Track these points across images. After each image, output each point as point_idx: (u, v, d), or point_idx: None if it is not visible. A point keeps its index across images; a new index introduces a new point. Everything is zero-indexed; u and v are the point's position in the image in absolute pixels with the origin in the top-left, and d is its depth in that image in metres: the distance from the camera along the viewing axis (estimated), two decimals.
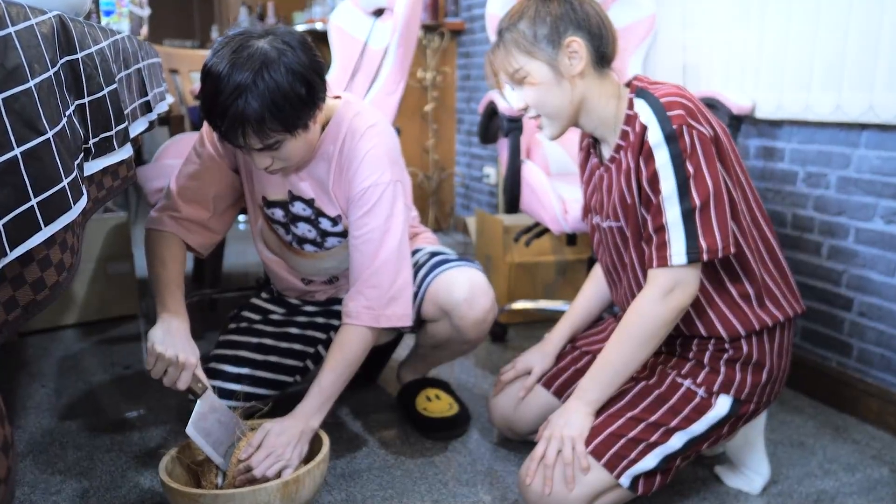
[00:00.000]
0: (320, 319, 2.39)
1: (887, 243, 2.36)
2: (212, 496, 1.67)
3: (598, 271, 2.19)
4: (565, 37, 1.76)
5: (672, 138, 1.66)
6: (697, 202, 1.67)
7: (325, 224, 2.14)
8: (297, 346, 2.32)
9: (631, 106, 1.78)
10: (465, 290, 2.09)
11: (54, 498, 1.99)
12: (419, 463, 2.18)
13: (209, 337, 3.09)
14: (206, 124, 2.05)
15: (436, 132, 5.00)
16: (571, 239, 3.09)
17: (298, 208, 2.13)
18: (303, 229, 2.18)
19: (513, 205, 2.73)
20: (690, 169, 1.66)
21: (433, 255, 2.22)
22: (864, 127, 2.39)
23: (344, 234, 2.15)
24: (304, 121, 1.83)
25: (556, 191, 2.57)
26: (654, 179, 1.70)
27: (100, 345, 3.10)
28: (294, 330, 2.36)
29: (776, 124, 2.69)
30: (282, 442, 1.83)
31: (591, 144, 1.99)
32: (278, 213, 2.18)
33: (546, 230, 2.91)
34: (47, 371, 2.83)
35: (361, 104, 2.05)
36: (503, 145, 2.72)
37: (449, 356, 2.37)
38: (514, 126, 2.61)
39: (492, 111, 2.71)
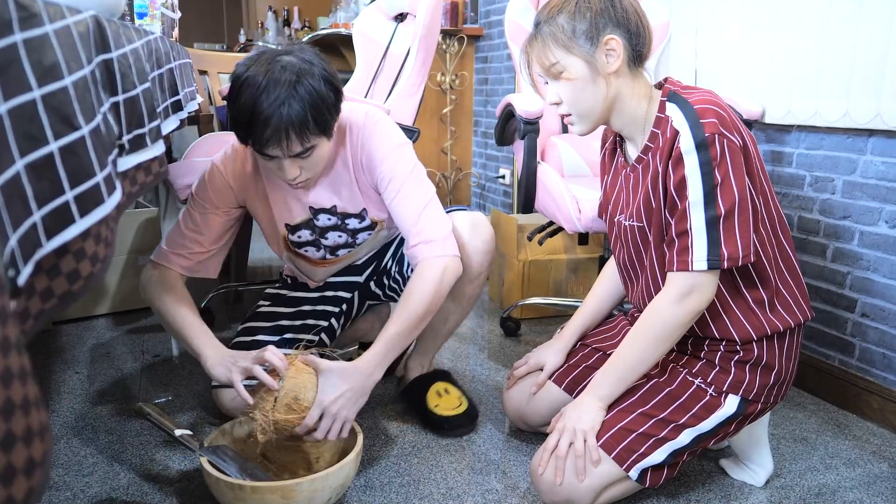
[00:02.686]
0: (329, 293, 2.41)
1: (891, 247, 2.33)
2: (308, 481, 1.67)
3: (608, 270, 2.17)
4: (604, 34, 1.71)
5: (703, 146, 1.63)
6: (723, 210, 1.63)
7: (353, 223, 2.18)
8: (310, 321, 2.35)
9: (663, 109, 1.74)
10: (467, 221, 2.13)
11: (87, 479, 1.98)
12: (435, 451, 2.16)
13: (235, 328, 3.09)
14: (197, 189, 2.09)
15: (453, 134, 4.99)
16: (583, 238, 3.08)
17: (323, 220, 2.16)
18: (333, 237, 2.22)
19: (528, 204, 2.71)
20: (718, 177, 1.63)
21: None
22: (871, 133, 2.37)
23: (372, 227, 2.19)
24: (334, 124, 1.89)
25: (570, 192, 2.55)
26: (681, 185, 1.67)
27: (130, 334, 3.10)
28: (307, 307, 2.39)
29: (785, 129, 2.67)
30: (340, 404, 1.83)
31: (617, 143, 1.97)
32: (305, 234, 2.21)
33: (559, 229, 2.89)
34: (80, 358, 2.83)
35: (348, 102, 2.08)
36: (519, 147, 2.70)
37: (455, 318, 2.31)
38: (531, 129, 2.59)
39: (509, 114, 2.69)
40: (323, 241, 2.23)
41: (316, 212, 2.14)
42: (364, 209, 2.15)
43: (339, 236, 2.22)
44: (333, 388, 1.83)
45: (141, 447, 2.16)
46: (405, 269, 2.24)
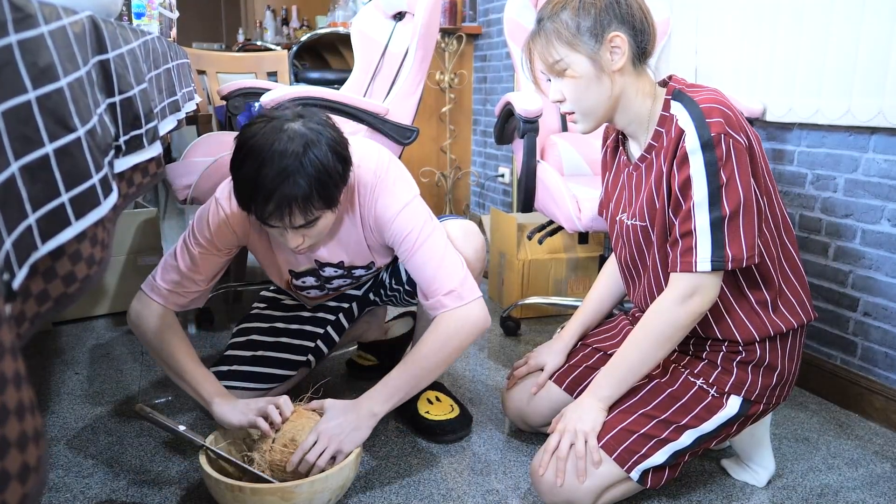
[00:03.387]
0: (331, 303, 2.40)
1: (893, 245, 2.33)
2: (308, 483, 1.67)
3: (609, 269, 2.17)
4: (609, 31, 1.69)
5: (709, 146, 1.61)
6: (727, 211, 1.62)
7: (359, 272, 2.17)
8: (307, 328, 2.35)
9: (667, 107, 1.73)
10: (459, 231, 2.08)
11: (86, 481, 1.98)
12: (435, 452, 2.16)
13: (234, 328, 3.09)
14: (196, 228, 2.01)
15: (452, 133, 4.98)
16: (583, 237, 3.07)
17: (329, 272, 2.15)
18: (338, 283, 2.22)
19: (528, 203, 2.70)
20: (724, 178, 1.61)
21: None
22: (873, 131, 2.36)
23: (378, 270, 2.20)
24: (340, 195, 1.82)
25: (570, 191, 2.54)
26: (686, 185, 1.66)
27: (130, 334, 3.09)
28: (305, 313, 2.38)
29: (786, 127, 2.66)
30: (335, 431, 1.82)
31: (619, 140, 1.96)
32: (310, 280, 2.19)
33: (559, 228, 2.89)
34: (80, 359, 2.82)
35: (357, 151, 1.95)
36: (518, 146, 2.69)
37: None
38: (530, 128, 2.58)
39: (508, 113, 2.68)
40: (328, 285, 2.23)
41: (322, 265, 2.13)
42: (372, 262, 2.13)
43: (345, 281, 2.22)
44: (332, 417, 1.84)
45: (141, 448, 2.15)
46: (403, 280, 2.22)
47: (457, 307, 1.91)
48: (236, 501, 1.68)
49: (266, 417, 1.85)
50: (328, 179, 1.71)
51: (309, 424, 1.84)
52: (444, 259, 1.93)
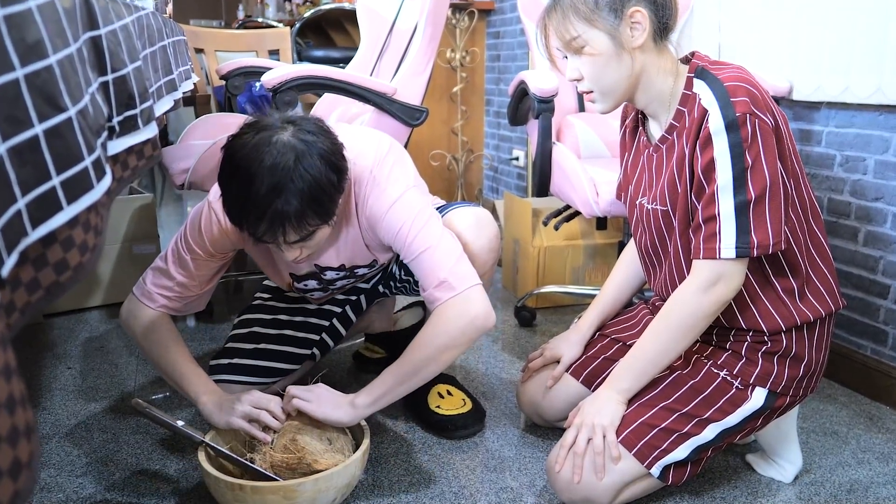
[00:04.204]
0: (338, 295, 2.40)
1: None
2: (312, 481, 1.68)
3: (627, 256, 2.16)
4: (629, 6, 1.68)
5: (734, 126, 1.60)
6: (753, 195, 1.62)
7: (363, 271, 2.16)
8: (312, 320, 2.35)
9: (690, 86, 1.72)
10: (472, 220, 2.05)
11: (80, 480, 1.99)
12: (446, 448, 2.16)
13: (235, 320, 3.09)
14: (188, 234, 1.99)
15: (464, 113, 4.97)
16: (602, 223, 3.06)
17: (331, 275, 2.14)
18: (341, 284, 2.22)
19: (543, 187, 2.70)
20: (749, 160, 1.61)
21: (437, 207, 2.15)
22: None
23: (382, 266, 2.19)
24: (336, 207, 1.78)
25: (587, 173, 2.54)
26: (709, 168, 1.65)
27: None
28: (310, 305, 2.38)
29: (813, 106, 2.65)
30: (318, 394, 1.86)
31: (639, 120, 1.95)
32: (312, 283, 2.19)
33: (576, 214, 2.88)
34: (73, 353, 2.83)
35: (344, 134, 1.89)
36: (533, 127, 2.69)
37: None
38: (545, 108, 2.58)
39: (522, 92, 2.68)
40: (331, 287, 2.23)
41: (323, 269, 2.12)
42: (374, 260, 2.12)
43: (348, 282, 2.23)
44: (317, 393, 1.88)
45: (137, 446, 2.16)
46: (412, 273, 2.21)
47: (448, 298, 1.85)
48: (237, 501, 1.68)
49: (259, 421, 1.86)
50: (321, 194, 1.68)
51: (310, 422, 1.86)
52: (435, 250, 1.88)
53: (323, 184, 1.68)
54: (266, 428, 1.85)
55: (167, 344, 1.99)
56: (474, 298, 1.86)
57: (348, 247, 2.04)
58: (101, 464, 2.07)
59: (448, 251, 1.88)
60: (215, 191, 1.96)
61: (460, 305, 1.84)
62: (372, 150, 1.94)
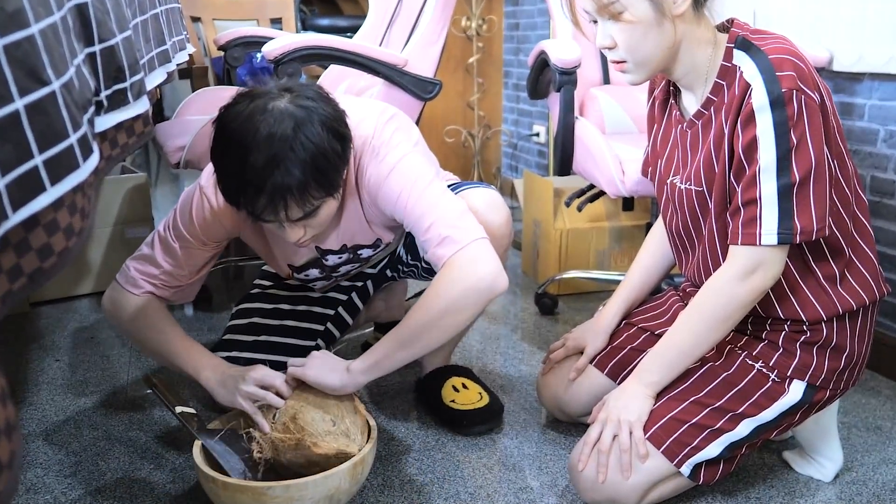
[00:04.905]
0: (344, 282, 2.39)
1: None
2: (282, 487, 1.66)
3: (655, 237, 2.15)
4: None
5: (779, 103, 1.58)
6: (797, 177, 1.60)
7: (367, 252, 2.14)
8: (316, 309, 2.34)
9: (729, 57, 1.70)
10: (482, 202, 2.01)
11: (69, 481, 2.00)
12: (461, 446, 2.17)
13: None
14: (178, 219, 1.97)
15: (481, 86, 4.97)
16: (628, 203, 3.06)
17: (333, 259, 2.13)
18: (344, 269, 2.21)
19: (565, 166, 2.69)
20: (794, 139, 1.59)
21: (448, 186, 2.08)
22: None
23: (387, 247, 2.17)
24: (341, 178, 1.77)
25: (612, 150, 2.53)
26: (751, 147, 1.63)
27: None
28: (313, 293, 2.37)
29: (855, 78, 2.63)
30: (319, 358, 1.85)
31: (671, 93, 1.93)
32: (314, 272, 2.19)
33: (601, 194, 2.87)
34: (61, 344, 2.85)
35: (345, 103, 1.87)
36: (554, 100, 2.68)
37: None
38: (568, 79, 2.57)
39: (543, 63, 2.67)
40: (334, 274, 2.22)
41: (324, 252, 2.11)
42: (378, 239, 2.10)
43: (353, 267, 2.21)
44: (314, 358, 1.86)
45: (130, 444, 2.17)
46: (420, 255, 2.19)
47: (452, 254, 1.79)
48: (212, 494, 1.73)
49: (262, 402, 1.85)
50: (325, 163, 1.67)
51: (313, 401, 1.83)
52: (436, 207, 1.83)
53: (326, 152, 1.66)
54: (269, 410, 1.84)
55: (158, 325, 1.99)
56: (480, 256, 1.79)
57: (349, 225, 2.03)
58: (91, 463, 2.08)
59: (450, 207, 1.85)
60: (207, 174, 1.96)
61: (464, 264, 1.78)
62: (373, 117, 1.92)
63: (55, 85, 0.92)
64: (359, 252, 2.13)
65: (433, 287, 1.81)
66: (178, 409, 1.87)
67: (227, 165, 1.67)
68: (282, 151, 1.61)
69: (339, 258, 2.12)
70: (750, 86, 1.62)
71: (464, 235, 1.80)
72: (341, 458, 1.75)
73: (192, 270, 2.03)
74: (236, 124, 1.64)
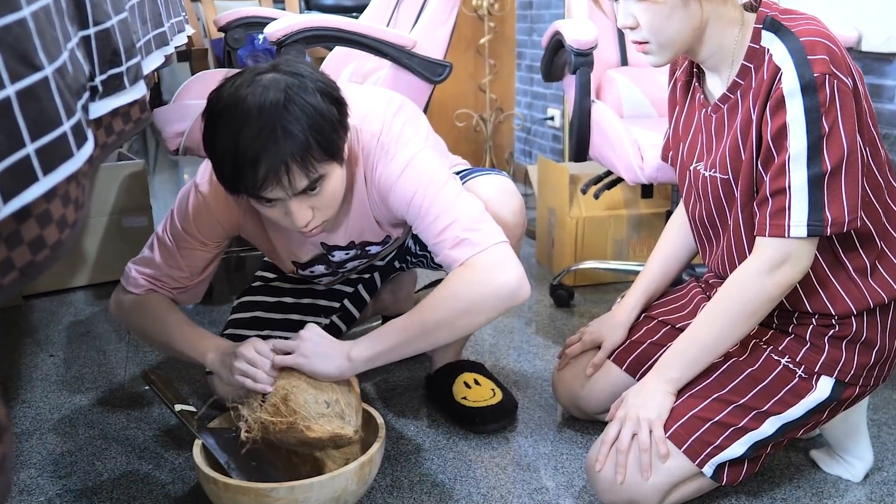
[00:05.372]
0: (351, 274, 2.39)
1: None
2: (286, 488, 1.66)
3: (675, 225, 2.14)
4: None
5: (811, 88, 1.57)
6: (829, 166, 1.59)
7: (375, 249, 2.13)
8: (321, 302, 2.34)
9: (757, 38, 1.69)
10: (493, 191, 2.01)
11: (63, 481, 2.01)
12: (473, 445, 2.17)
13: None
14: (176, 219, 1.97)
15: (493, 68, 4.96)
16: (647, 191, 3.06)
17: (339, 256, 2.12)
18: (352, 266, 2.20)
19: (581, 151, 2.69)
20: (826, 126, 1.58)
21: (457, 173, 2.10)
22: None
23: (396, 241, 2.16)
24: (343, 145, 1.73)
25: (630, 135, 2.53)
26: (781, 134, 1.62)
27: None
28: (318, 286, 2.37)
29: (885, 58, 2.62)
30: (313, 341, 1.81)
31: (695, 75, 1.92)
32: (319, 269, 2.18)
33: (619, 180, 2.87)
34: (55, 338, 2.85)
35: (348, 95, 1.83)
36: (570, 83, 2.67)
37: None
38: (584, 61, 2.56)
39: (557, 44, 2.66)
40: (341, 270, 2.21)
41: (330, 248, 2.09)
42: (387, 236, 2.09)
43: (360, 263, 2.20)
44: (310, 337, 1.82)
45: (127, 443, 2.17)
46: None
47: (470, 256, 1.78)
48: (212, 494, 1.73)
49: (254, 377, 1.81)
50: (323, 124, 1.64)
51: (306, 381, 1.79)
52: (453, 208, 1.82)
53: (323, 113, 1.64)
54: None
55: (161, 313, 1.99)
56: (502, 261, 1.78)
57: (357, 221, 2.02)
58: (87, 463, 2.08)
59: (468, 208, 1.83)
60: (202, 171, 1.96)
61: (485, 268, 1.77)
62: (380, 110, 1.91)
63: (48, 70, 0.92)
64: (367, 248, 2.12)
65: (449, 285, 1.80)
66: (178, 407, 1.87)
67: (220, 147, 1.64)
68: (276, 116, 1.58)
69: (346, 254, 2.11)
70: (780, 70, 1.61)
71: (484, 238, 1.79)
72: (336, 440, 1.75)
73: (194, 272, 2.03)
74: (223, 103, 1.63)
